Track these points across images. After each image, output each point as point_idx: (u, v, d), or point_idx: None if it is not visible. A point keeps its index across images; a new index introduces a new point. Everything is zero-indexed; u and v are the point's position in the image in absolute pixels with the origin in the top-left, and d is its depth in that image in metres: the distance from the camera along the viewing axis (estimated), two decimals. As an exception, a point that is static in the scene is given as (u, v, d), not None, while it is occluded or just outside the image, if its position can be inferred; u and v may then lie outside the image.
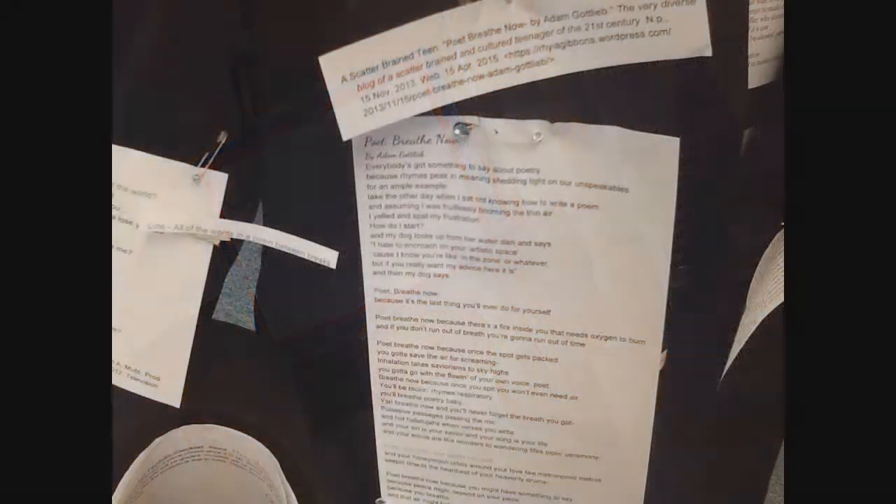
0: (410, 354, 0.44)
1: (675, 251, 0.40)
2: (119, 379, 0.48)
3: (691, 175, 0.38)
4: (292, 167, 0.45)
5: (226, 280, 0.52)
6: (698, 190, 0.39)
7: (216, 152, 0.44)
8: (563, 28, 0.36)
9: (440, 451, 0.47)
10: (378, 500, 0.50)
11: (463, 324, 0.43)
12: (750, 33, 0.39)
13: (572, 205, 0.39)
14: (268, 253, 0.51)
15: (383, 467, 0.49)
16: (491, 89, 0.37)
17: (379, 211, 0.41)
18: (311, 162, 0.44)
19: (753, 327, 0.40)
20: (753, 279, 0.43)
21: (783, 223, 0.42)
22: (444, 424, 0.46)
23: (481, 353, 0.43)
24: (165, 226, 0.44)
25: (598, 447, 0.45)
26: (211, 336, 0.49)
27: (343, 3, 0.38)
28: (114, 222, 0.45)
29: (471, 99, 0.37)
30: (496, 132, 0.38)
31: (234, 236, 0.45)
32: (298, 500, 0.46)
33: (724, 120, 0.41)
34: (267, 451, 0.47)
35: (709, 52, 0.36)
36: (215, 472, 0.51)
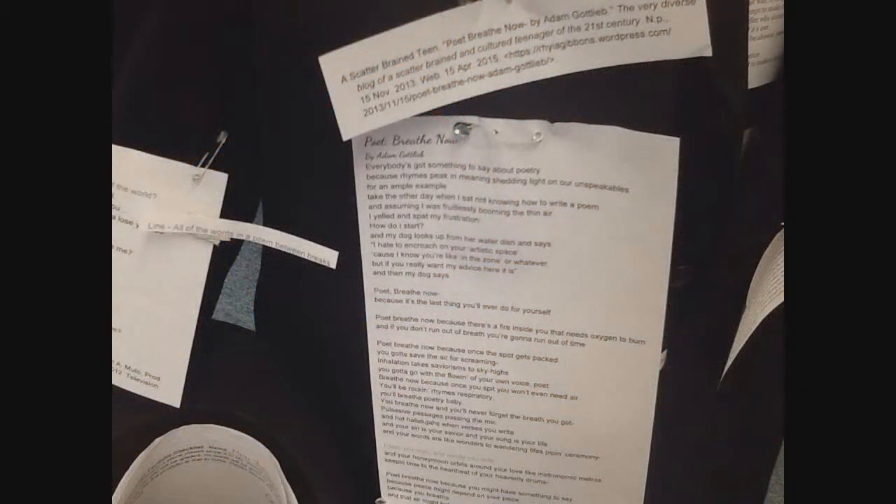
0: (410, 354, 0.44)
1: (675, 251, 0.40)
2: (119, 379, 0.48)
3: (691, 175, 0.38)
4: (292, 167, 0.45)
5: (226, 280, 0.52)
6: (698, 190, 0.39)
7: (216, 152, 0.44)
8: (563, 28, 0.36)
9: (440, 451, 0.47)
10: (378, 500, 0.50)
11: (463, 324, 0.43)
12: (750, 33, 0.39)
13: (572, 205, 0.39)
14: (268, 253, 0.51)
15: (383, 467, 0.49)
16: (491, 89, 0.37)
17: (379, 211, 0.41)
18: (311, 162, 0.44)
19: (753, 327, 0.40)
20: (753, 279, 0.43)
21: (783, 223, 0.42)
22: (444, 424, 0.46)
23: (481, 353, 0.43)
24: (165, 226, 0.44)
25: (598, 447, 0.45)
26: (211, 336, 0.49)
27: (343, 2, 0.38)
28: (114, 222, 0.45)
29: (471, 99, 0.37)
30: (496, 132, 0.38)
31: (234, 236, 0.45)
32: (298, 500, 0.46)
33: (724, 120, 0.41)
34: (267, 451, 0.47)
35: (709, 52, 0.36)
36: (215, 472, 0.51)
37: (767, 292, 0.40)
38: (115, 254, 0.45)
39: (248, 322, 0.60)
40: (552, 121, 0.38)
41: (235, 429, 0.48)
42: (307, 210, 0.45)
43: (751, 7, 0.39)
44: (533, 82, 0.37)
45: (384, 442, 0.48)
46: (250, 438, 0.48)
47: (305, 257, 0.43)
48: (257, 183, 0.48)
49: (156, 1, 0.42)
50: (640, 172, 0.38)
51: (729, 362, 0.43)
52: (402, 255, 0.42)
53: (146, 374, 0.47)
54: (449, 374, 0.44)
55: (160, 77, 0.43)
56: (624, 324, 0.42)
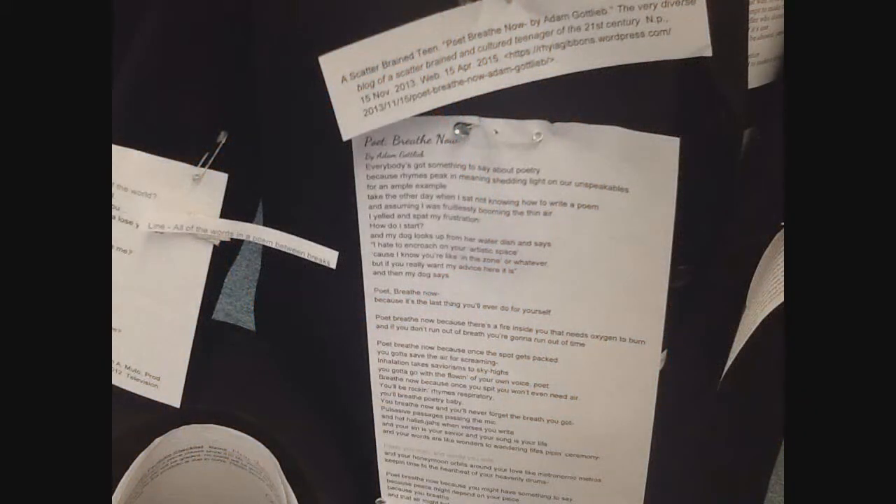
0: (410, 354, 0.44)
1: (675, 251, 0.40)
2: (119, 379, 0.48)
3: (691, 175, 0.38)
4: (292, 167, 0.45)
5: (226, 280, 0.52)
6: (698, 190, 0.39)
7: (216, 152, 0.44)
8: (563, 28, 0.36)
9: (440, 451, 0.47)
10: (378, 500, 0.50)
11: (463, 324, 0.43)
12: (750, 33, 0.39)
13: (572, 205, 0.39)
14: (268, 253, 0.51)
15: (383, 467, 0.49)
16: (491, 89, 0.37)
17: (379, 211, 0.41)
18: (311, 162, 0.44)
19: (753, 327, 0.40)
20: (753, 279, 0.43)
21: (783, 223, 0.42)
22: (444, 424, 0.46)
23: (481, 353, 0.43)
24: (165, 226, 0.44)
25: (598, 447, 0.45)
26: (211, 336, 0.49)
27: (343, 2, 0.38)
28: (114, 222, 0.45)
29: (471, 99, 0.37)
30: (496, 132, 0.38)
31: (234, 236, 0.45)
32: (298, 500, 0.46)
33: (724, 120, 0.41)
34: (267, 451, 0.47)
35: (709, 52, 0.36)
36: (215, 472, 0.51)
37: (767, 292, 0.40)
38: (115, 254, 0.45)
39: (248, 322, 0.60)
40: (552, 121, 0.38)
41: (235, 429, 0.48)
42: (307, 210, 0.45)
43: (751, 7, 0.39)
44: (533, 82, 0.37)
45: (384, 442, 0.48)
46: (250, 438, 0.48)
47: (305, 257, 0.43)
48: (257, 183, 0.48)
49: (156, 1, 0.42)
50: (640, 172, 0.38)
51: (729, 362, 0.43)
52: (402, 255, 0.42)
53: (146, 374, 0.47)
54: (449, 374, 0.44)
55: (160, 77, 0.43)
56: (624, 324, 0.42)
